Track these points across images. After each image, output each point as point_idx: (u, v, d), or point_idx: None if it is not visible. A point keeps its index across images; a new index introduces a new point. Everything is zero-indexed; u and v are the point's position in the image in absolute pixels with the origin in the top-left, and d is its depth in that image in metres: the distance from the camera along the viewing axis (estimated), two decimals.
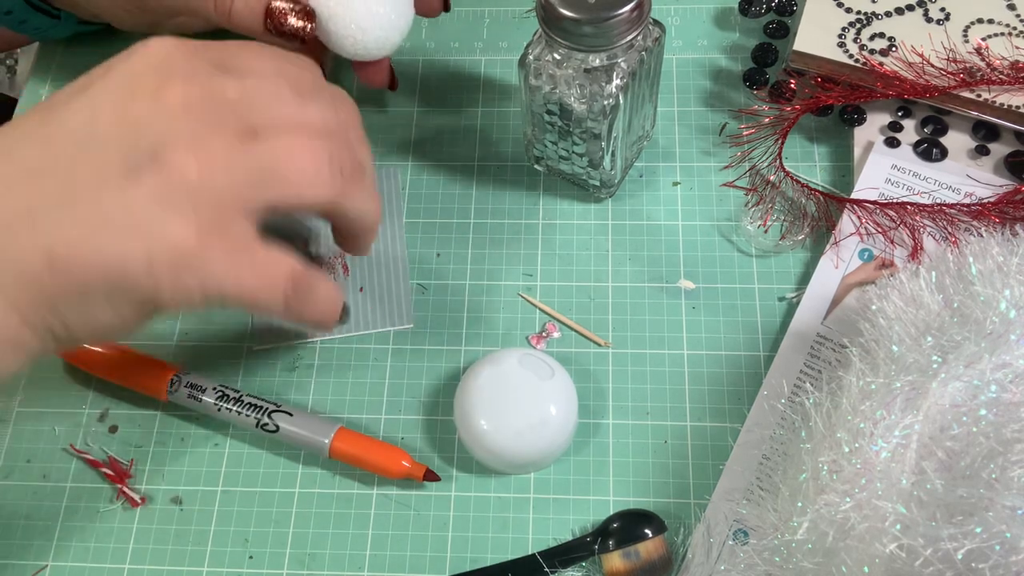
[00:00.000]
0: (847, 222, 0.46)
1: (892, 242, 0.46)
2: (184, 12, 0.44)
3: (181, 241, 0.31)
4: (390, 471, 0.42)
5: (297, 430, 0.42)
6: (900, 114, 0.49)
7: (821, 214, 0.47)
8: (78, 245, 0.30)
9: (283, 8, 0.41)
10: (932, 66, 0.47)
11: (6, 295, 0.30)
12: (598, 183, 0.47)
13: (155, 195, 0.31)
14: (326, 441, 0.42)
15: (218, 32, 0.42)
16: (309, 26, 0.41)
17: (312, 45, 0.45)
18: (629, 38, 0.39)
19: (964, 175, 0.47)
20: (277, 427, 0.42)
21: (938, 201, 0.46)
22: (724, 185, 0.49)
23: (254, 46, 0.35)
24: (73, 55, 0.56)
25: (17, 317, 0.31)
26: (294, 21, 0.41)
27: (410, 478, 0.42)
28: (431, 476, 0.42)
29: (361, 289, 0.47)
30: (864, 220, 0.46)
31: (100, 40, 0.56)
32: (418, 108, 0.53)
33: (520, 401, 0.41)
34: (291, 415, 0.42)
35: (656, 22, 0.42)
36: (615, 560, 0.39)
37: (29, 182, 0.31)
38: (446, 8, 0.46)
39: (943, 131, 0.48)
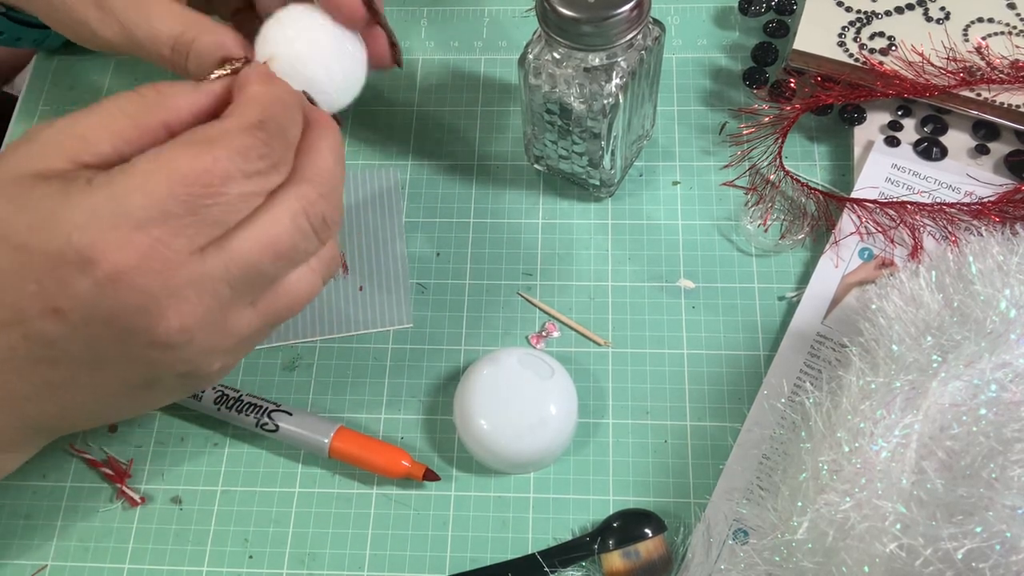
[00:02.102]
0: (847, 221, 0.46)
1: (892, 241, 0.46)
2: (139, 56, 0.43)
3: None
4: (390, 471, 0.41)
5: (297, 430, 0.42)
6: (900, 113, 0.49)
7: (821, 213, 0.47)
8: None
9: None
10: (932, 65, 0.47)
11: None
12: (598, 182, 0.47)
13: None
14: (326, 441, 0.42)
15: None
16: None
17: None
18: (629, 37, 0.39)
19: (964, 174, 0.47)
20: (277, 427, 0.42)
21: (938, 200, 0.46)
22: (724, 184, 0.49)
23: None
24: (73, 56, 0.56)
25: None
26: None
27: (410, 477, 0.42)
28: (431, 476, 0.42)
29: (361, 288, 0.47)
30: (864, 219, 0.46)
31: None
32: (418, 108, 0.53)
33: (520, 401, 0.41)
34: (291, 415, 0.42)
35: (656, 21, 0.42)
36: (615, 560, 0.39)
37: None
38: (398, 64, 0.43)
39: (943, 130, 0.48)
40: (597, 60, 0.41)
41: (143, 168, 0.30)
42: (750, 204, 0.48)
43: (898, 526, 0.32)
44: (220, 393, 0.43)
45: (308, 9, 0.39)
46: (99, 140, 0.32)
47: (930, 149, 0.47)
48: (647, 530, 0.40)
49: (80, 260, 0.30)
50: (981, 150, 0.48)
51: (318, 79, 0.38)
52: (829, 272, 0.45)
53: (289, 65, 0.37)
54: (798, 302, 0.45)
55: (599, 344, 0.45)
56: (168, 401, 0.38)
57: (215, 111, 0.34)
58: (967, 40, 0.48)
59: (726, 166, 0.49)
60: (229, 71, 0.36)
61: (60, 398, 0.33)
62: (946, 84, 0.47)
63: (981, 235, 0.42)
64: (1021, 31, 0.48)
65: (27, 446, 0.36)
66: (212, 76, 0.36)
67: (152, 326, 0.31)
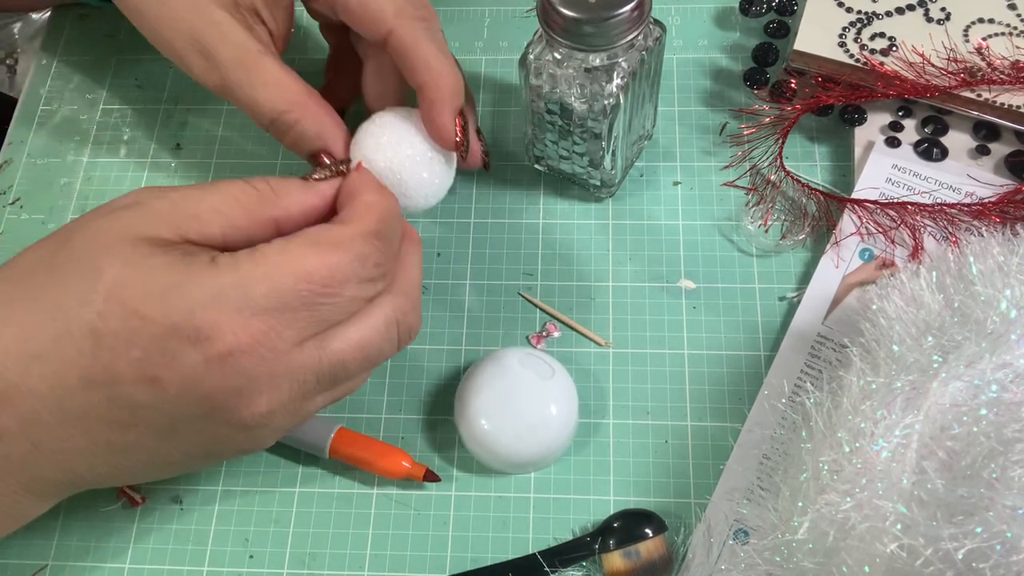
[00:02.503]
0: (848, 222, 0.46)
1: (893, 242, 0.46)
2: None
3: None
4: (390, 471, 0.41)
5: (297, 430, 0.42)
6: (901, 114, 0.49)
7: (822, 214, 0.47)
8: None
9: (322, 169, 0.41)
10: (933, 66, 0.47)
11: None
12: (598, 183, 0.47)
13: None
14: (326, 441, 0.42)
15: None
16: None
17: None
18: (630, 38, 0.39)
19: (965, 175, 0.47)
20: None
21: (939, 201, 0.46)
22: (725, 185, 0.49)
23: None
24: (73, 56, 0.56)
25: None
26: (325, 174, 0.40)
27: (410, 478, 0.42)
28: (431, 476, 0.42)
29: None
30: (865, 220, 0.46)
31: (101, 44, 0.56)
32: None
33: (520, 401, 0.41)
34: None
35: (657, 22, 0.42)
36: (616, 560, 0.39)
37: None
38: (486, 167, 0.46)
39: (944, 131, 0.48)
40: (598, 60, 0.41)
41: (271, 260, 0.32)
42: (751, 204, 0.48)
43: (899, 526, 0.32)
44: None
45: (407, 117, 0.40)
46: (211, 223, 0.33)
47: (931, 150, 0.47)
48: (648, 530, 0.40)
49: (196, 336, 0.30)
50: (982, 151, 0.48)
51: (410, 185, 0.40)
52: (830, 272, 0.45)
53: (386, 169, 0.39)
54: (799, 302, 0.45)
55: (600, 344, 0.45)
56: (207, 467, 0.38)
57: (324, 211, 0.36)
58: (968, 41, 0.48)
59: (727, 166, 0.49)
60: (335, 172, 0.38)
61: (116, 460, 0.34)
62: (947, 85, 0.47)
63: (982, 236, 0.42)
64: (1022, 32, 0.48)
65: (60, 497, 0.36)
66: (316, 176, 0.38)
67: (242, 408, 0.32)
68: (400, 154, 0.40)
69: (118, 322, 0.30)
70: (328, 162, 0.40)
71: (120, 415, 0.32)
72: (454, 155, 0.42)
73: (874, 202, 0.46)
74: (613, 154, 0.45)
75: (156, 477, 0.37)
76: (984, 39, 0.48)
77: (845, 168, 0.49)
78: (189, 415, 0.32)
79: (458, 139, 0.40)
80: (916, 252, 0.45)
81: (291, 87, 0.40)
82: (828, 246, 0.46)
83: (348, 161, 0.40)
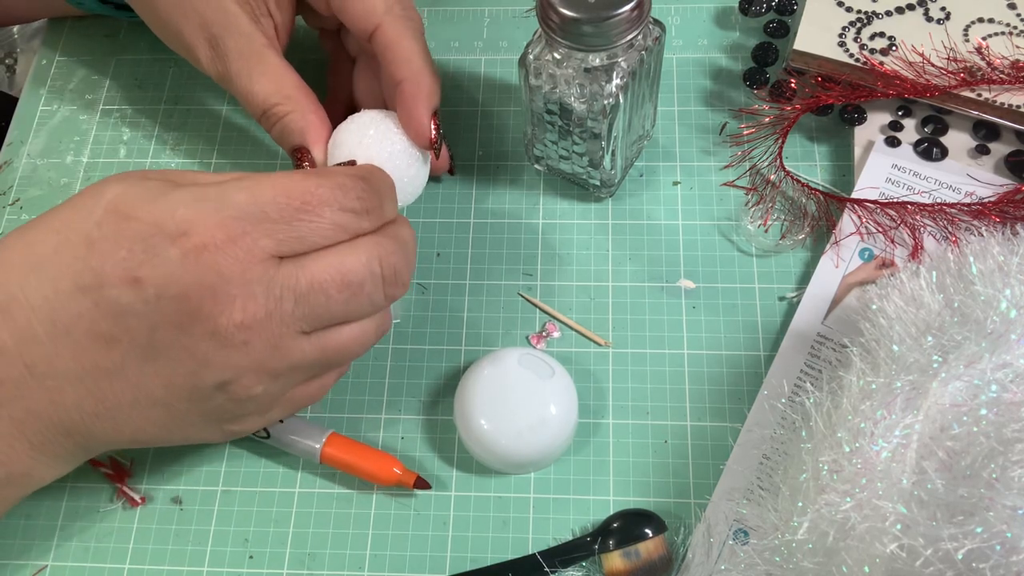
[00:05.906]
0: (847, 221, 0.46)
1: (892, 241, 0.46)
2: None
3: None
4: (381, 478, 0.41)
5: (288, 436, 0.42)
6: (900, 113, 0.49)
7: (821, 213, 0.47)
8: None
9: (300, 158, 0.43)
10: (932, 65, 0.47)
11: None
12: (598, 183, 0.47)
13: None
14: (317, 447, 0.42)
15: None
16: None
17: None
18: (629, 37, 0.39)
19: (964, 174, 0.47)
20: (268, 433, 0.42)
21: (938, 200, 0.46)
22: (724, 184, 0.49)
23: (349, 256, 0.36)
24: (72, 56, 0.56)
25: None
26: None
27: (401, 485, 0.41)
28: (422, 484, 0.41)
29: None
30: (864, 219, 0.46)
31: (100, 44, 0.56)
32: None
33: (520, 401, 0.41)
34: (282, 420, 0.42)
35: (656, 21, 0.42)
36: (615, 560, 0.39)
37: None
38: (451, 172, 0.49)
39: (943, 130, 0.48)
40: (597, 60, 0.41)
41: (254, 177, 0.34)
42: (750, 204, 0.48)
43: (898, 526, 0.32)
44: None
45: (385, 117, 0.42)
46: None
47: (930, 149, 0.47)
48: (647, 530, 0.40)
49: (176, 231, 0.32)
50: (981, 150, 0.48)
51: (393, 179, 0.41)
52: (829, 272, 0.45)
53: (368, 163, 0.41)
54: (798, 302, 0.45)
55: (599, 344, 0.45)
56: (201, 434, 0.38)
57: None
58: (967, 40, 0.48)
59: (726, 166, 0.49)
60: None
61: (102, 391, 0.34)
62: (946, 84, 0.47)
63: (981, 235, 0.42)
64: (1021, 31, 0.48)
65: (58, 451, 0.35)
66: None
67: (217, 314, 0.33)
68: (382, 151, 0.41)
69: (111, 225, 0.33)
70: (306, 161, 0.42)
71: (104, 326, 0.33)
72: (428, 154, 0.43)
73: (874, 202, 0.46)
74: (613, 154, 0.45)
75: (148, 432, 0.36)
76: (984, 39, 0.48)
77: (845, 168, 0.49)
78: (167, 323, 0.33)
79: (433, 136, 0.42)
80: (916, 252, 0.45)
81: (287, 82, 0.42)
82: (828, 246, 0.46)
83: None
